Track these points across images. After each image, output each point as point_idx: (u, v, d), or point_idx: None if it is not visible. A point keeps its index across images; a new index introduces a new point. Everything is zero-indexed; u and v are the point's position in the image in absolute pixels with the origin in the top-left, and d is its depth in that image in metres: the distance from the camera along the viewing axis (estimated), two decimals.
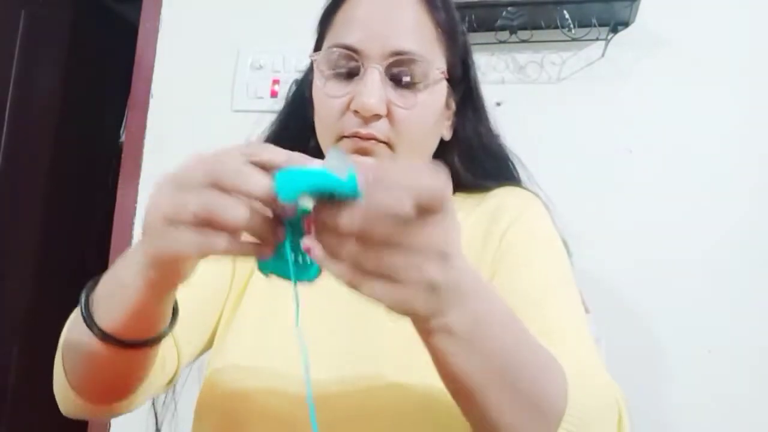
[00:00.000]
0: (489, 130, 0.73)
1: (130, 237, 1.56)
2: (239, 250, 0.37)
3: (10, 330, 2.01)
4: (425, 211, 0.32)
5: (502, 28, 1.32)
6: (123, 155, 1.63)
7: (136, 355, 0.49)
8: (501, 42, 1.34)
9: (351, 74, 0.62)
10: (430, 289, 0.34)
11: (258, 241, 0.38)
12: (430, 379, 0.53)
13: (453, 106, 0.70)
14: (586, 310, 0.76)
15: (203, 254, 0.37)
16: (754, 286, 1.19)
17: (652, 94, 1.29)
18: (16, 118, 2.02)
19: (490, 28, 1.32)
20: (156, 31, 1.63)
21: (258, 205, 0.36)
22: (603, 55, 1.30)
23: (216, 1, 1.60)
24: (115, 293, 0.46)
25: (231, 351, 0.62)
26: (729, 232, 1.22)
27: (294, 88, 0.77)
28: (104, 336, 0.46)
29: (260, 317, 0.63)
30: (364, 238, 0.33)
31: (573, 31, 1.28)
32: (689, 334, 1.20)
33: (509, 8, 1.27)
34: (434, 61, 0.63)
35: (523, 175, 0.75)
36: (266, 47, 1.51)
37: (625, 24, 1.28)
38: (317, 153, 0.66)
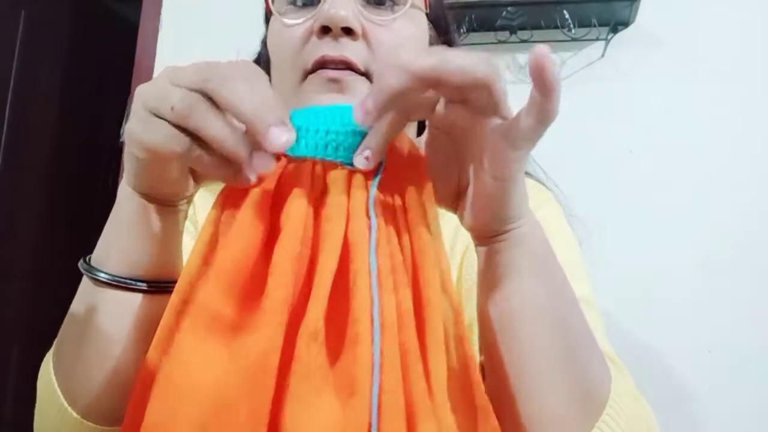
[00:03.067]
0: None
1: None
2: (208, 164, 0.34)
3: (10, 330, 2.01)
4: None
5: (502, 28, 1.32)
6: (123, 155, 1.63)
7: (156, 307, 0.41)
8: (501, 42, 1.34)
9: (313, 2, 0.50)
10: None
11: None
12: None
13: None
14: None
15: (171, 152, 0.34)
16: (754, 286, 1.19)
17: (652, 94, 1.29)
18: (16, 118, 2.02)
19: (490, 28, 1.32)
20: (156, 31, 1.63)
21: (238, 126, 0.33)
22: (603, 55, 1.30)
23: (216, 1, 1.60)
24: (113, 235, 0.41)
25: None
26: (729, 232, 1.22)
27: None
28: (119, 279, 0.40)
29: None
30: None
31: (573, 31, 1.28)
32: (689, 334, 1.20)
33: (509, 8, 1.27)
34: None
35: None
36: None
37: (625, 24, 1.28)
38: None
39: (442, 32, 0.58)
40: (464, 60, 0.32)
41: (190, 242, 0.40)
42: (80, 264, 0.42)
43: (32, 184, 2.12)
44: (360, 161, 0.36)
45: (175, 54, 1.61)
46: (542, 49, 0.31)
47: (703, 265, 1.22)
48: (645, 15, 1.27)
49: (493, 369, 0.39)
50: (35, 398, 0.47)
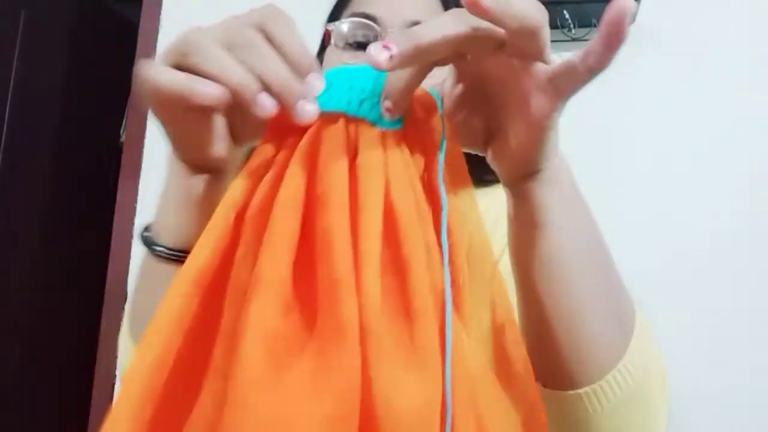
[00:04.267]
0: None
1: (130, 237, 1.56)
2: (218, 97, 0.33)
3: (10, 330, 2.01)
4: None
5: None
6: (123, 155, 1.63)
7: None
8: None
9: (366, 45, 0.59)
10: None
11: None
12: None
13: None
14: None
15: (188, 94, 0.33)
16: (754, 284, 1.19)
17: (652, 93, 1.29)
18: (16, 118, 2.02)
19: None
20: (156, 31, 1.63)
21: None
22: None
23: (216, 1, 1.60)
24: (164, 207, 0.43)
25: None
26: (729, 230, 1.22)
27: None
28: (173, 253, 0.42)
29: None
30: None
31: (573, 31, 1.28)
32: (689, 335, 1.20)
33: None
34: None
35: None
36: None
37: None
38: None
39: None
40: (521, 4, 0.32)
41: None
42: (141, 233, 0.44)
43: (32, 184, 2.12)
44: (382, 113, 0.34)
45: None
46: (626, 3, 0.31)
47: (703, 263, 1.22)
48: (645, 15, 1.27)
49: (533, 305, 0.41)
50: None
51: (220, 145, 0.39)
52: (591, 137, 1.30)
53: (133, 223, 1.57)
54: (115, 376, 1.51)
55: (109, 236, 1.60)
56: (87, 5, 2.30)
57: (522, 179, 0.39)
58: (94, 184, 2.31)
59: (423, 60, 0.33)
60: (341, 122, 0.33)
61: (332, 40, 0.62)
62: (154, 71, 0.34)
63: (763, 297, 1.19)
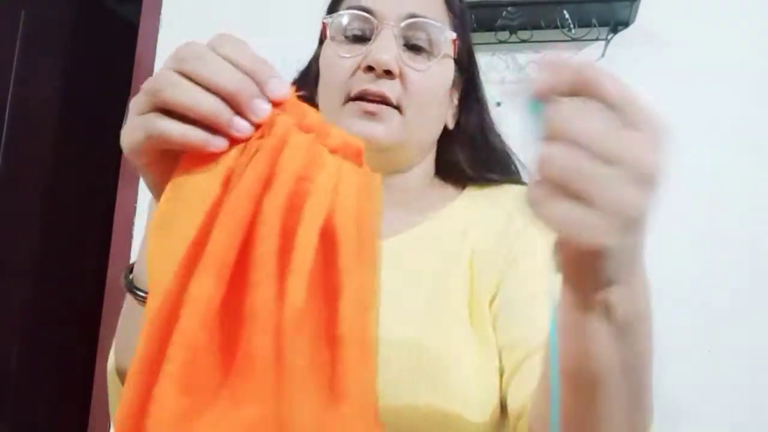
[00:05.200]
0: (492, 123, 0.71)
1: (130, 237, 1.56)
2: (184, 136, 0.33)
3: (10, 330, 2.01)
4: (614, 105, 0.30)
5: (502, 28, 1.32)
6: (123, 155, 1.63)
7: None
8: (501, 42, 1.34)
9: (363, 38, 0.60)
10: (624, 221, 0.30)
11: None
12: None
13: (456, 97, 0.68)
14: None
15: (151, 138, 0.34)
16: (754, 285, 1.19)
17: (652, 94, 1.28)
18: (16, 118, 2.02)
19: (490, 28, 1.32)
20: (156, 31, 1.63)
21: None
22: (603, 55, 1.30)
23: (216, 1, 1.60)
24: (144, 251, 0.45)
25: None
26: (730, 231, 1.22)
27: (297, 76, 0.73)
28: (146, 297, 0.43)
29: None
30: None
31: (573, 31, 1.28)
32: (689, 334, 1.20)
33: (509, 8, 1.27)
34: (446, 33, 0.62)
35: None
36: (266, 47, 1.51)
37: (625, 24, 1.28)
38: None
39: (465, 71, 0.68)
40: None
41: None
42: (123, 278, 0.46)
43: (32, 184, 2.12)
44: None
45: None
46: None
47: (703, 265, 1.22)
48: (645, 15, 1.27)
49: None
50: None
51: None
52: None
53: (133, 224, 1.57)
54: None
55: (109, 236, 1.60)
56: (87, 5, 2.30)
57: (575, 291, 0.36)
58: (94, 184, 2.31)
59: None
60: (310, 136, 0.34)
61: (329, 33, 0.62)
62: (163, 125, 0.34)
63: (761, 301, 1.19)
